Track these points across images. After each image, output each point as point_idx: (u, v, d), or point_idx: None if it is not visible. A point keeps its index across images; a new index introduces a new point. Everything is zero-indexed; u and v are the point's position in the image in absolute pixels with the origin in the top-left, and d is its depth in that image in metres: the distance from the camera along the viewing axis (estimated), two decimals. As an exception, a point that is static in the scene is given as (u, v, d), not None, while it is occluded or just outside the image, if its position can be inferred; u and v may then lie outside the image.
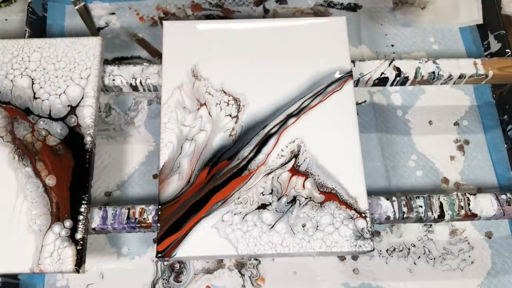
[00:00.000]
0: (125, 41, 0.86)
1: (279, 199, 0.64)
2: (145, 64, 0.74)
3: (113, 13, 0.88)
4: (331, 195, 0.64)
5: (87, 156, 0.65)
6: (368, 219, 0.63)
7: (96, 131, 0.68)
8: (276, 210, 0.63)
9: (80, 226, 0.62)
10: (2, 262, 0.60)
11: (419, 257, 0.75)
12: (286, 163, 0.66)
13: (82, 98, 0.68)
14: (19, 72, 0.70)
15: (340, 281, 0.73)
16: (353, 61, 0.73)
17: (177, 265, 0.73)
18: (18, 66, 0.70)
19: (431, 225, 0.76)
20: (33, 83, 0.69)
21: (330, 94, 0.70)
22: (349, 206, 0.64)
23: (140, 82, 0.73)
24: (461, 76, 0.74)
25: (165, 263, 0.73)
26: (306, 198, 0.64)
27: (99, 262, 0.73)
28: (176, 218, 0.63)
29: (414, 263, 0.74)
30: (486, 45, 0.87)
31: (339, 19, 0.75)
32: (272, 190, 0.64)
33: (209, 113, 0.68)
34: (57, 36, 0.83)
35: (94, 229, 0.65)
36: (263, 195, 0.64)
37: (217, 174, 0.65)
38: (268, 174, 0.65)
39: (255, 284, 0.72)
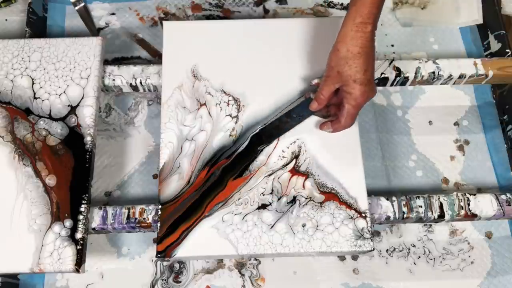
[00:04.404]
0: (125, 41, 0.86)
1: (279, 199, 0.64)
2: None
3: (113, 14, 0.88)
4: (331, 195, 0.64)
5: (87, 156, 0.65)
6: (368, 219, 0.63)
7: (96, 131, 0.68)
8: (276, 210, 0.63)
9: (80, 226, 0.62)
10: (2, 262, 0.60)
11: (419, 257, 0.74)
12: (287, 164, 0.66)
13: (82, 98, 0.68)
14: (19, 72, 0.70)
15: (340, 281, 0.73)
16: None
17: (177, 265, 0.73)
18: (18, 66, 0.70)
19: (431, 225, 0.76)
20: (33, 83, 0.69)
21: (330, 94, 0.70)
22: (349, 206, 0.64)
23: (140, 82, 0.73)
24: (461, 76, 0.74)
25: (165, 263, 0.73)
26: (306, 198, 0.64)
27: (99, 262, 0.73)
28: (176, 218, 0.63)
29: (414, 263, 0.74)
30: (486, 45, 0.87)
31: (339, 19, 0.74)
32: (272, 190, 0.64)
33: (209, 113, 0.68)
34: (57, 36, 0.83)
35: (94, 229, 0.65)
36: (263, 195, 0.64)
37: (216, 173, 0.65)
38: (269, 175, 0.65)
39: (255, 284, 0.72)
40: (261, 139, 0.67)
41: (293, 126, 0.67)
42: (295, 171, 0.65)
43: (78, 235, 0.61)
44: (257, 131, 0.67)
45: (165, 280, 0.72)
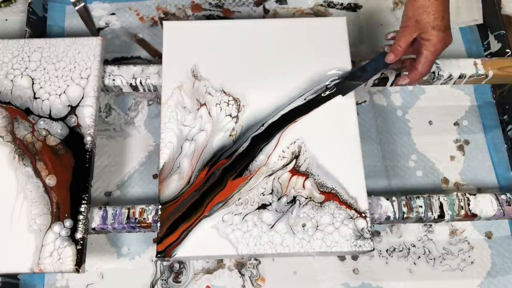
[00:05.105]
0: (125, 41, 0.86)
1: (279, 199, 0.64)
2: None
3: (113, 14, 0.88)
4: (331, 195, 0.64)
5: (87, 156, 0.65)
6: (368, 219, 0.63)
7: (96, 131, 0.68)
8: (276, 210, 0.63)
9: (80, 226, 0.62)
10: (2, 262, 0.60)
11: (419, 257, 0.74)
12: (287, 164, 0.66)
13: (82, 98, 0.68)
14: (19, 72, 0.70)
15: (340, 281, 0.73)
16: (353, 61, 0.73)
17: (177, 265, 0.73)
18: (18, 66, 0.70)
19: (431, 225, 0.76)
20: (33, 83, 0.69)
21: (330, 94, 0.70)
22: (349, 206, 0.64)
23: (140, 82, 0.73)
24: (461, 76, 0.74)
25: (165, 263, 0.73)
26: (306, 198, 0.64)
27: (99, 262, 0.73)
28: (176, 218, 0.63)
29: (414, 263, 0.74)
30: (486, 45, 0.87)
31: (339, 19, 0.75)
32: (272, 190, 0.64)
33: (209, 113, 0.68)
34: (57, 36, 0.83)
35: (94, 229, 0.65)
36: (263, 195, 0.64)
37: (216, 173, 0.65)
38: (269, 175, 0.65)
39: (255, 284, 0.72)
40: (277, 126, 0.68)
41: (368, 79, 0.69)
42: (295, 171, 0.65)
43: (78, 235, 0.61)
44: (331, 85, 0.69)
45: (165, 280, 0.72)
